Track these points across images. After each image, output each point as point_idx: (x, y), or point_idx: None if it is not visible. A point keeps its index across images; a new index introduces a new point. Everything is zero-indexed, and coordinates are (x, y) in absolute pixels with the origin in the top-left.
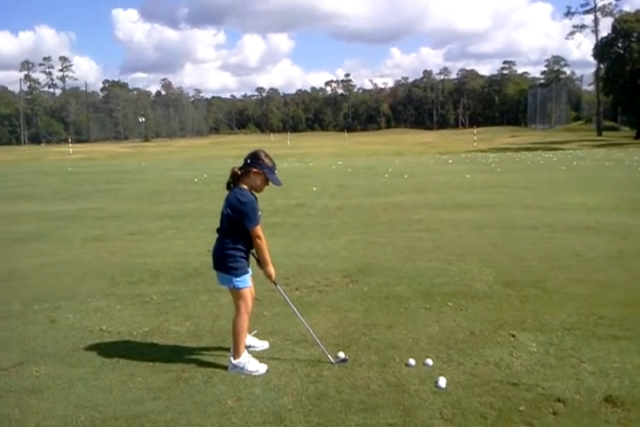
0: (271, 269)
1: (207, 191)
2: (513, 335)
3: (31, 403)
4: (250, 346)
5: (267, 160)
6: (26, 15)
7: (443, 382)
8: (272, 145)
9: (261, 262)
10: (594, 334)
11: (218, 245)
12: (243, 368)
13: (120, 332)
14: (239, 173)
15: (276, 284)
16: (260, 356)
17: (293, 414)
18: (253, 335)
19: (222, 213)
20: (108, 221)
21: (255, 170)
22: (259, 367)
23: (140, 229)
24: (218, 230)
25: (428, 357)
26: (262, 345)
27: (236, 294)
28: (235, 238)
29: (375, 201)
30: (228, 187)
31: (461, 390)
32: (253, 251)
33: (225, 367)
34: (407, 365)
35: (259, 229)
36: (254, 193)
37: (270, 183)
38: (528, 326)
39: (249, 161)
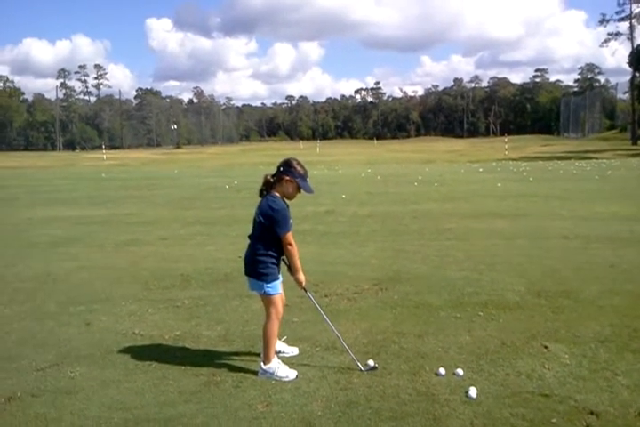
0: (301, 276)
1: (238, 198)
2: (545, 347)
3: (66, 403)
4: (280, 352)
5: (299, 168)
6: (63, 24)
7: (473, 392)
8: (302, 152)
9: (292, 269)
10: (628, 347)
11: (249, 251)
12: (273, 374)
13: (152, 335)
14: (272, 180)
15: (306, 290)
16: (289, 362)
17: (323, 421)
18: (283, 341)
19: (254, 220)
20: (140, 226)
21: (287, 178)
22: (288, 373)
23: (171, 235)
24: (250, 237)
25: (458, 366)
26: (292, 351)
27: (267, 300)
28: (266, 245)
29: (405, 209)
30: (261, 194)
31: (492, 401)
32: (284, 257)
33: (255, 372)
34: (437, 374)
35: (290, 236)
36: (286, 201)
37: (302, 191)
38: (561, 338)
39: (281, 169)
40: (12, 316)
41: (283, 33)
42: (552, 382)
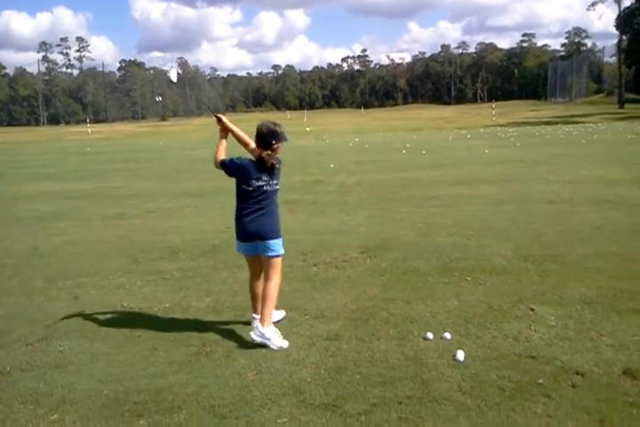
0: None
1: None
2: (532, 309)
3: (56, 377)
4: None
5: (280, 130)
6: None
7: (461, 355)
8: (289, 122)
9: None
10: (613, 308)
11: None
12: (269, 339)
13: (142, 308)
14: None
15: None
16: (278, 330)
17: (312, 387)
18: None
19: None
20: (127, 199)
21: (280, 144)
22: (282, 344)
23: (158, 208)
24: None
25: (446, 330)
26: (279, 314)
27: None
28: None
29: (393, 177)
30: None
31: (479, 364)
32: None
33: (245, 342)
34: (425, 338)
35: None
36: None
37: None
38: (547, 300)
39: (273, 141)
40: None
41: (267, 1)
42: (538, 343)
